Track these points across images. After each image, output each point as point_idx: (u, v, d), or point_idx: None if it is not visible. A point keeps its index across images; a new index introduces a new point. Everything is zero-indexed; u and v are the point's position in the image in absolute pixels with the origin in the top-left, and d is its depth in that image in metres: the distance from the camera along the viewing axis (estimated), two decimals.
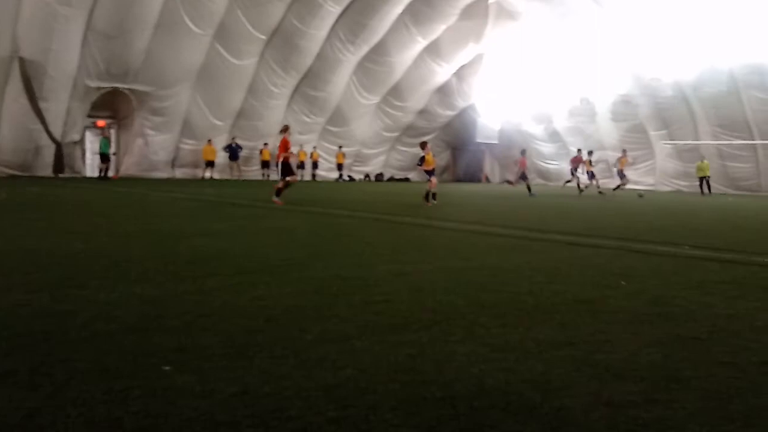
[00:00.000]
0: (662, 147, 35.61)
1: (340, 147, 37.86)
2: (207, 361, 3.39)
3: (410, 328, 4.23)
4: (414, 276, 6.28)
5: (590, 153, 29.28)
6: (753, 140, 31.45)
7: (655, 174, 36.26)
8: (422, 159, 17.75)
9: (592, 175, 28.64)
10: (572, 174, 29.26)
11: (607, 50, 34.59)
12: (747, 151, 32.22)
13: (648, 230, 12.25)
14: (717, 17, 29.43)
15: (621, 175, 29.61)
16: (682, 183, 35.18)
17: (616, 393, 3.12)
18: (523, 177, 26.10)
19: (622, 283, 6.25)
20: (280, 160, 16.65)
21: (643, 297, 5.55)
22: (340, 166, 38.05)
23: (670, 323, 4.60)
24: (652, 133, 35.87)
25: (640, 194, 27.62)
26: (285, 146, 16.56)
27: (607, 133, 37.67)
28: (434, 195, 17.72)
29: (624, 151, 31.18)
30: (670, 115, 34.44)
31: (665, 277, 6.66)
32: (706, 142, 33.40)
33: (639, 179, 36.90)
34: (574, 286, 5.98)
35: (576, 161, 29.08)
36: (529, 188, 25.62)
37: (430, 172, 17.54)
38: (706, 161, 31.35)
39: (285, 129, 17.18)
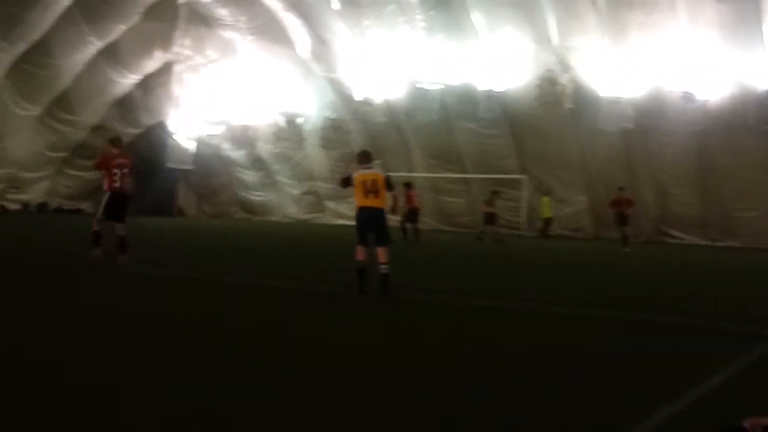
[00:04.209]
0: None
1: None
2: None
3: None
4: None
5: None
6: (465, 174, 34.25)
7: None
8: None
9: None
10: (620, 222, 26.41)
11: (314, 66, 35.70)
12: (460, 185, 34.99)
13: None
14: (426, 34, 31.69)
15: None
16: (395, 218, 37.11)
17: None
18: (411, 217, 25.23)
19: None
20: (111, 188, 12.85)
21: None
22: None
23: None
24: None
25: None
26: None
27: (317, 161, 38.77)
28: None
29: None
30: (384, 143, 36.42)
31: None
32: (421, 174, 35.79)
33: (346, 212, 38.42)
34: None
35: (618, 204, 26.04)
36: (409, 232, 24.57)
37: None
38: (547, 197, 31.79)
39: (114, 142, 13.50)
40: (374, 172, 10.34)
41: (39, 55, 33.35)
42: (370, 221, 10.22)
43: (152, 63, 38.41)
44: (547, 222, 31.75)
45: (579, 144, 31.37)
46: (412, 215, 25.24)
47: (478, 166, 33.64)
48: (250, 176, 42.95)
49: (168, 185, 44.60)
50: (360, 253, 10.17)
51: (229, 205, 44.13)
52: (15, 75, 33.55)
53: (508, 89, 31.17)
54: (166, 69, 39.70)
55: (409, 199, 25.04)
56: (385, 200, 10.33)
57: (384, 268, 9.95)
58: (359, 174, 10.30)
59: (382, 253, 10.04)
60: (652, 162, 30.36)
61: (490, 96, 31.63)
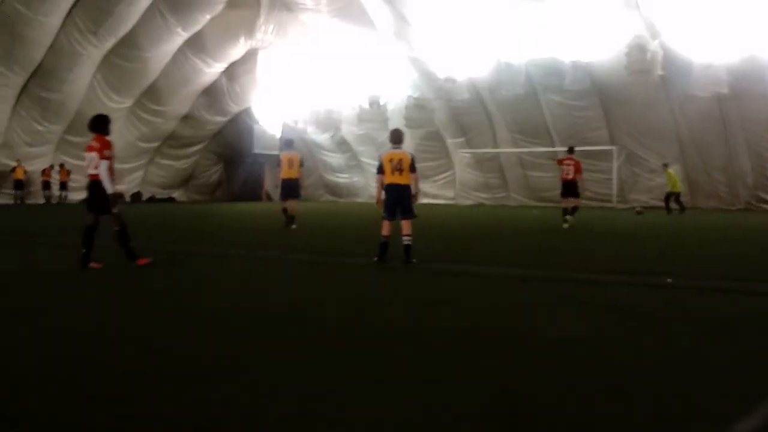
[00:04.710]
0: (461, 156, 37.18)
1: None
2: None
3: None
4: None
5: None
6: (553, 147, 33.61)
7: (455, 186, 37.73)
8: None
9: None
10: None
11: (396, 46, 35.52)
12: (548, 159, 34.34)
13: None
14: (510, 7, 30.94)
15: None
16: (483, 195, 36.97)
17: None
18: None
19: None
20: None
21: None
22: (63, 185, 35.54)
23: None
24: (450, 141, 37.39)
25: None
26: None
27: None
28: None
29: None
30: (468, 120, 36.14)
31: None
32: (506, 150, 35.33)
33: (438, 192, 38.27)
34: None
35: None
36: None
37: None
38: (671, 170, 28.23)
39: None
40: (402, 151, 10.84)
41: (128, 48, 34.24)
42: (396, 196, 10.72)
43: (237, 50, 39.04)
44: (672, 196, 27.40)
45: (671, 112, 30.45)
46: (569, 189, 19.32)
47: (565, 139, 32.84)
48: (335, 159, 43.25)
49: (255, 171, 45.33)
50: (386, 228, 10.69)
51: (315, 188, 44.55)
52: (106, 69, 34.53)
53: (596, 59, 30.36)
54: (250, 56, 40.29)
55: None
56: (410, 178, 10.76)
57: (407, 240, 10.56)
58: (387, 153, 10.84)
59: (406, 226, 10.65)
60: (749, 128, 29.23)
61: (577, 66, 30.87)
